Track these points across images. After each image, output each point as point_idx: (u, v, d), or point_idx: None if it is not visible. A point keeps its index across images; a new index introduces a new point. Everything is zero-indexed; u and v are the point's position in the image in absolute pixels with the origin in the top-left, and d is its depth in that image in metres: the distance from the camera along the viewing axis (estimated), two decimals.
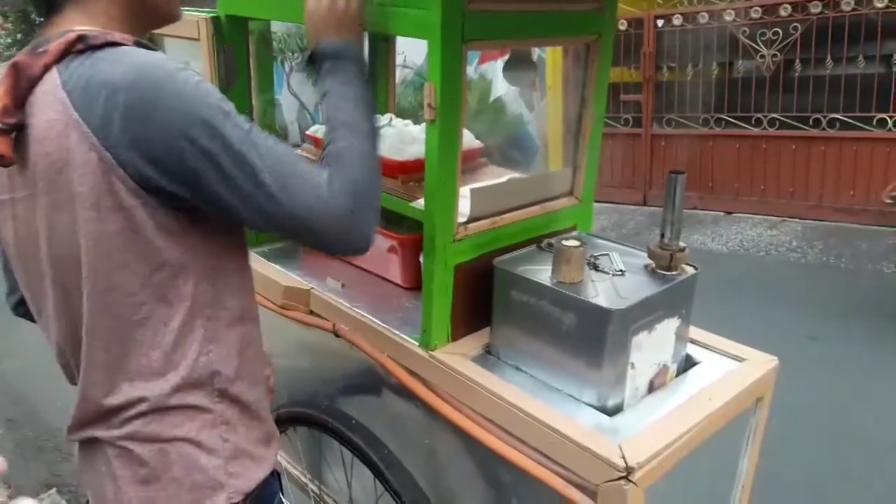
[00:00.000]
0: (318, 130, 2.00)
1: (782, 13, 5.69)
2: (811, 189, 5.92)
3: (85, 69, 0.90)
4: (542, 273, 1.35)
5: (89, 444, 1.06)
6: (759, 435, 1.47)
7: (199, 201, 0.94)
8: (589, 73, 1.56)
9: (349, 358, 1.62)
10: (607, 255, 1.44)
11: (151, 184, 0.91)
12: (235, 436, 1.06)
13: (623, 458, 1.12)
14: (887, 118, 5.46)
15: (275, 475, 1.16)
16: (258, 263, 1.78)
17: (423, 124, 1.37)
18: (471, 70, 7.05)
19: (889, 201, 4.43)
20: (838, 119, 5.65)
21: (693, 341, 1.50)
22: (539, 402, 1.28)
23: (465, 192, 1.43)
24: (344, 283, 1.75)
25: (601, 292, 1.29)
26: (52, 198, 0.93)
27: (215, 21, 1.66)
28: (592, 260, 1.40)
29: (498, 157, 2.09)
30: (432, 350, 1.42)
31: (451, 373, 1.38)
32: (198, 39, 1.68)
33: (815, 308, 4.28)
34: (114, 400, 0.99)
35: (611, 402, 1.28)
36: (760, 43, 5.84)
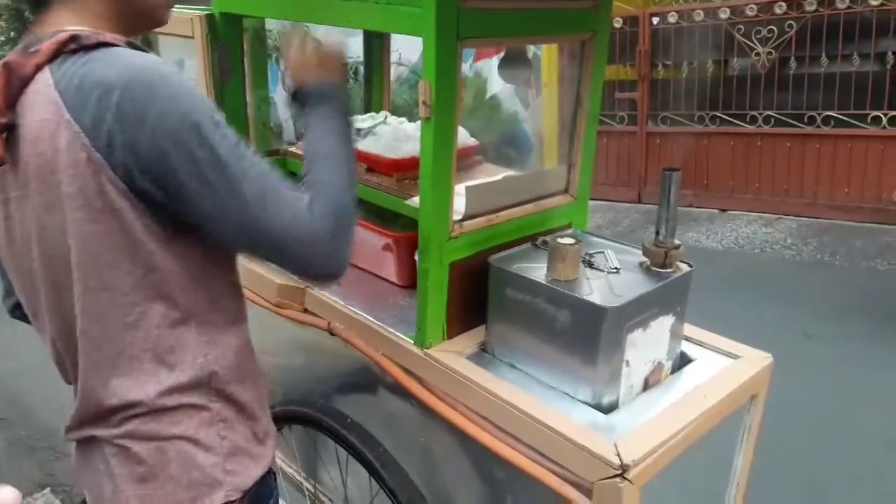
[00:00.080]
0: None
1: (777, 11, 5.70)
2: (806, 186, 5.93)
3: (78, 69, 0.89)
4: (538, 271, 1.35)
5: (87, 443, 1.06)
6: (753, 432, 1.48)
7: (178, 207, 0.92)
8: (584, 70, 1.56)
9: (344, 356, 1.61)
10: (602, 252, 1.44)
11: (137, 186, 0.90)
12: (233, 433, 1.06)
13: (618, 455, 1.12)
14: (882, 116, 5.47)
15: (271, 473, 1.16)
16: (252, 261, 1.78)
17: (418, 122, 1.37)
18: (466, 67, 7.05)
19: None
20: (833, 117, 5.66)
21: (688, 339, 1.50)
22: (534, 400, 1.28)
23: (460, 189, 1.43)
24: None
25: (596, 290, 1.29)
26: (44, 198, 0.92)
27: (210, 19, 1.66)
28: (587, 258, 1.40)
29: (493, 154, 2.08)
30: (427, 348, 1.42)
31: (446, 371, 1.38)
32: (192, 37, 1.68)
33: (809, 305, 4.29)
34: (111, 400, 0.99)
35: (606, 400, 1.28)
36: (755, 41, 5.85)
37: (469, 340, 1.47)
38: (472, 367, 1.37)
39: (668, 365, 1.41)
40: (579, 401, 1.29)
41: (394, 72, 4.28)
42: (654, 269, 1.37)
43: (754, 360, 1.44)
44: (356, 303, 1.62)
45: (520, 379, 1.36)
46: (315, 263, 0.99)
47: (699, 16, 6.11)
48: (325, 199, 1.00)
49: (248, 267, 1.68)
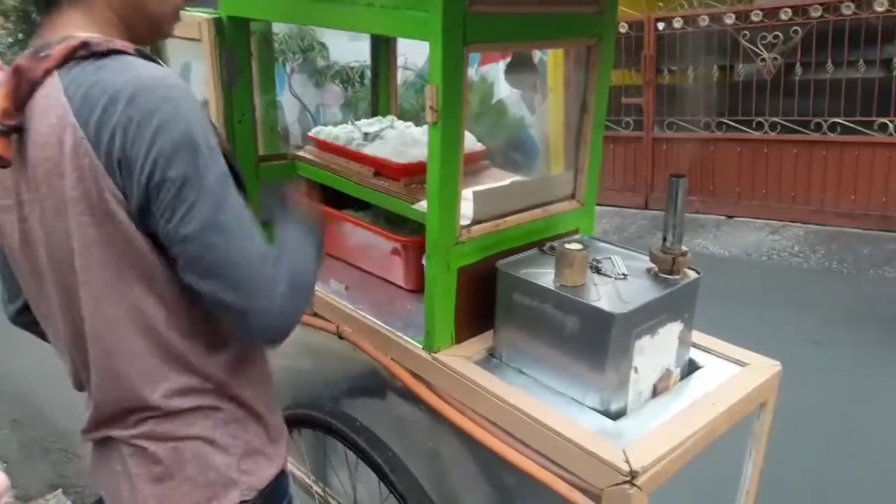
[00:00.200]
0: (320, 132, 2.00)
1: (783, 17, 5.68)
2: (813, 193, 5.91)
3: (88, 76, 0.90)
4: (545, 276, 1.35)
5: (104, 444, 1.06)
6: (763, 440, 1.47)
7: (159, 224, 0.91)
8: (590, 75, 1.56)
9: (353, 360, 1.61)
10: (610, 258, 1.44)
11: (131, 195, 0.90)
12: (246, 434, 1.07)
13: (627, 462, 1.11)
14: (888, 122, 5.45)
15: (285, 474, 1.16)
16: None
17: (425, 126, 1.37)
18: (472, 72, 7.06)
19: None
20: (839, 123, 5.64)
21: (696, 345, 1.49)
22: (542, 405, 1.27)
23: (467, 194, 1.43)
24: (347, 285, 1.75)
25: (604, 296, 1.28)
26: (52, 202, 0.93)
27: (217, 22, 1.66)
28: (595, 263, 1.40)
29: (500, 159, 2.08)
30: (435, 352, 1.42)
31: (454, 375, 1.37)
32: (199, 40, 1.68)
33: (817, 313, 4.27)
34: (125, 403, 1.00)
35: (614, 406, 1.28)
36: (761, 46, 5.84)
37: (477, 345, 1.47)
38: (480, 372, 1.37)
39: (676, 372, 1.40)
40: (588, 407, 1.29)
41: (400, 76, 4.29)
42: (661, 275, 1.36)
43: (763, 368, 1.44)
44: (365, 307, 1.62)
45: (528, 384, 1.35)
46: (265, 310, 0.96)
47: (704, 21, 6.10)
48: (291, 259, 1.02)
49: None
